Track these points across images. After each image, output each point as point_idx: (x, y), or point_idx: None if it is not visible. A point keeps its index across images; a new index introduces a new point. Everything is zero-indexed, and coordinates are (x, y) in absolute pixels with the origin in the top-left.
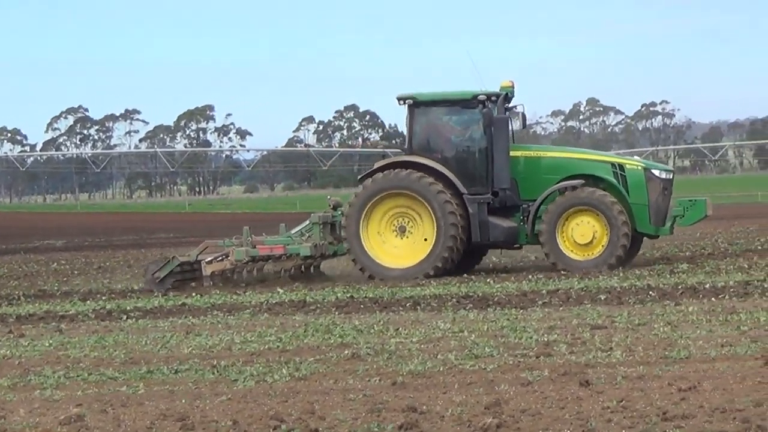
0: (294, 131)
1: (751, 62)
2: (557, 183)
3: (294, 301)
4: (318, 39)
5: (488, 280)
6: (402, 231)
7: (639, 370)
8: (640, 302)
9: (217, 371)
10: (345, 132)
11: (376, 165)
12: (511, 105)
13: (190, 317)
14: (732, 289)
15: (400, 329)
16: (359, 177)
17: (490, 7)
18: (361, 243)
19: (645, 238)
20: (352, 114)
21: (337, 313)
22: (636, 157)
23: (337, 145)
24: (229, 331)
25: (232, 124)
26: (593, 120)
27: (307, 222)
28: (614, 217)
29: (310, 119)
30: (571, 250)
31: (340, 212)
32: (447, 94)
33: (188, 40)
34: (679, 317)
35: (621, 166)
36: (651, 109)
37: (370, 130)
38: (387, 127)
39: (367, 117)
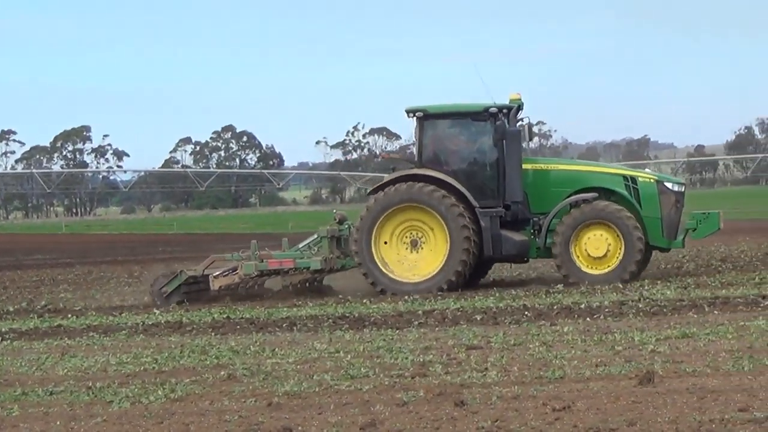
0: (171, 152)
1: (626, 83)
2: (568, 196)
3: (170, 322)
4: (195, 60)
5: (365, 300)
6: (414, 245)
7: (514, 390)
8: (515, 322)
9: (93, 393)
10: (222, 153)
11: (387, 178)
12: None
13: (66, 339)
14: (607, 309)
15: (276, 350)
16: (368, 190)
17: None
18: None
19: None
20: (229, 135)
21: (213, 333)
22: (647, 170)
23: (214, 165)
24: (105, 352)
25: (109, 145)
26: None
27: (315, 236)
28: (629, 231)
29: (187, 140)
30: (585, 264)
31: (346, 226)
32: (458, 106)
33: (64, 59)
34: (555, 337)
35: (633, 179)
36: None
37: (247, 151)
38: (264, 147)
39: (245, 138)
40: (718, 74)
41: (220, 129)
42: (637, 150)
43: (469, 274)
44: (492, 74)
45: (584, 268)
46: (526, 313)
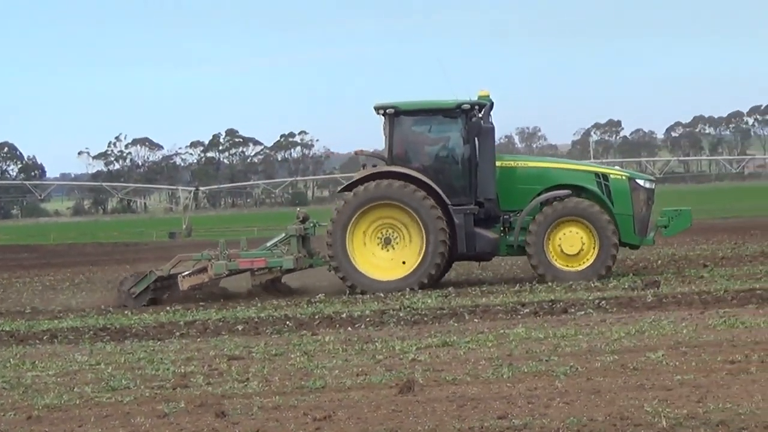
0: None
1: (388, 92)
2: (539, 193)
3: None
4: None
5: (126, 312)
6: (387, 243)
7: (275, 400)
8: (277, 332)
9: None
10: None
11: (357, 175)
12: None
13: None
14: (368, 319)
15: (37, 362)
16: (339, 189)
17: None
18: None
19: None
20: None
21: None
22: (617, 167)
23: None
24: None
25: None
26: (233, 151)
27: (283, 235)
28: (603, 227)
29: None
30: (559, 262)
31: (311, 224)
32: (430, 103)
33: None
34: (316, 347)
35: (605, 176)
36: (290, 139)
37: (8, 162)
38: (26, 158)
39: (5, 149)
40: (486, 84)
41: None
42: None
43: (443, 271)
44: (251, 81)
45: (559, 266)
46: (287, 323)
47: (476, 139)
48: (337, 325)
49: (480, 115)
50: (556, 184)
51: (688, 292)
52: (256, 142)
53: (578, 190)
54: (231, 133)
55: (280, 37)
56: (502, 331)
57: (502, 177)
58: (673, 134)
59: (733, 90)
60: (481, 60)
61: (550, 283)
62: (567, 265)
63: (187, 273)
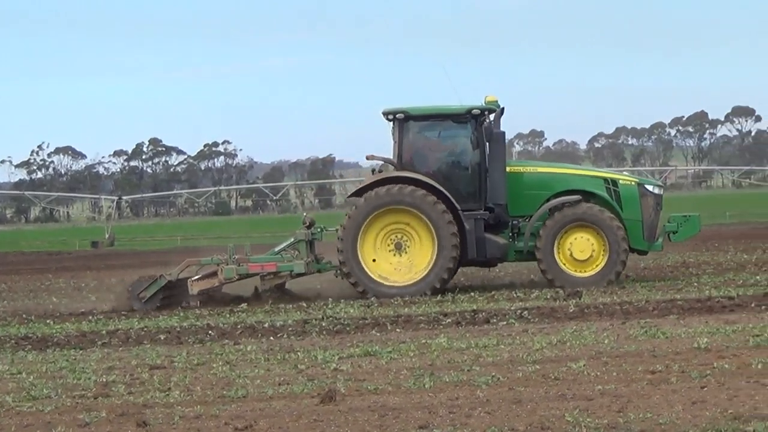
0: None
1: (311, 102)
2: (548, 199)
3: None
4: None
5: (48, 320)
6: (398, 248)
7: (196, 410)
8: (199, 342)
9: None
10: None
11: (367, 180)
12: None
13: None
14: (290, 328)
15: None
16: (349, 194)
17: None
18: (359, 260)
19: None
20: None
21: None
22: (625, 173)
23: None
24: None
25: None
26: (156, 160)
27: (291, 240)
28: (613, 232)
29: None
30: (569, 267)
31: (318, 230)
32: (440, 108)
33: None
34: (238, 356)
35: (614, 182)
36: (213, 149)
37: None
38: None
39: None
40: (403, 93)
41: None
42: (322, 169)
43: (453, 277)
44: (175, 91)
45: (570, 272)
46: (209, 332)
47: (487, 144)
48: (260, 335)
49: (491, 120)
50: (565, 189)
51: (610, 303)
52: (180, 152)
53: (587, 196)
54: (154, 142)
55: (204, 47)
56: (424, 341)
57: (511, 182)
58: (596, 145)
59: (655, 101)
60: (395, 71)
61: (472, 293)
62: (577, 271)
63: (196, 277)
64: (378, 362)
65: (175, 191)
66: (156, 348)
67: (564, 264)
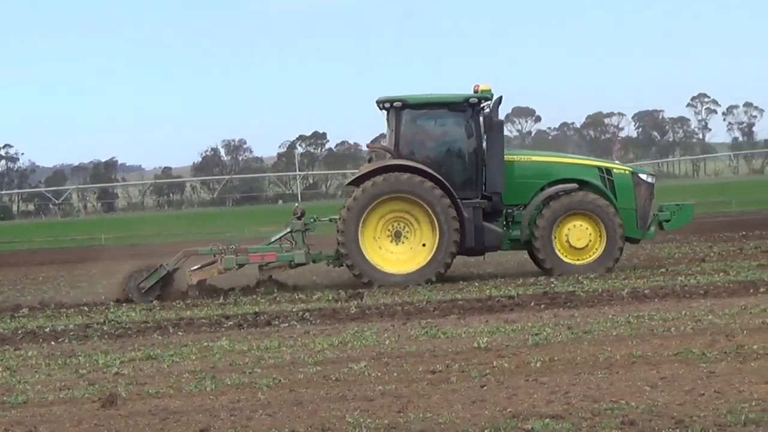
0: None
1: (90, 106)
2: (542, 188)
3: None
4: None
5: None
6: (398, 236)
7: None
8: None
9: None
10: None
11: (365, 169)
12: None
13: None
14: (72, 333)
15: None
16: (346, 183)
17: None
18: (360, 248)
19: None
20: None
21: None
22: (617, 161)
23: None
24: None
25: None
26: None
27: (287, 230)
28: (610, 220)
29: None
30: (566, 255)
31: (311, 220)
32: (438, 96)
33: None
34: (19, 362)
35: (608, 171)
36: None
37: None
38: None
39: None
40: (187, 96)
41: None
42: (105, 172)
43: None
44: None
45: (566, 260)
46: None
47: (486, 133)
48: (41, 340)
49: (490, 109)
50: (559, 178)
51: (391, 303)
52: None
53: (581, 185)
54: None
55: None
56: (206, 343)
57: (506, 171)
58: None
59: None
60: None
61: (254, 296)
62: (574, 259)
63: (196, 267)
64: (160, 366)
65: None
66: None
67: (561, 252)
